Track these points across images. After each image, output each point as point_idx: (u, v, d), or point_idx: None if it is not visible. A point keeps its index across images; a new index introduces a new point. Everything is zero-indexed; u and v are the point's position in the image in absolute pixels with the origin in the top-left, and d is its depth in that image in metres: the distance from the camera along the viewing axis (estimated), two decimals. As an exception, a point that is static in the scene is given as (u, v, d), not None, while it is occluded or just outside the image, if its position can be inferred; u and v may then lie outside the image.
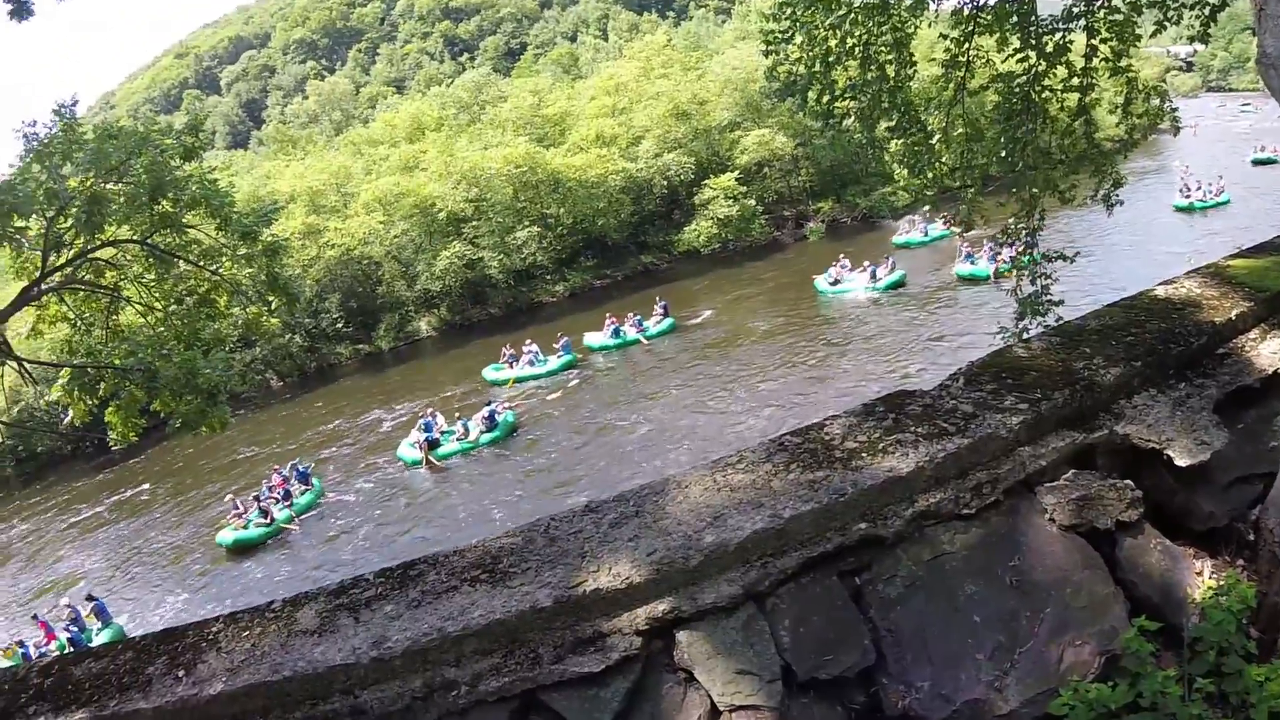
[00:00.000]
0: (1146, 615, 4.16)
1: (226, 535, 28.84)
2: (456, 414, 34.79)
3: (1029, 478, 4.52)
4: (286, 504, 30.08)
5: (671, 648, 4.01)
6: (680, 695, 3.94)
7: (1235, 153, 59.82)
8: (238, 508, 29.70)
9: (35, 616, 25.20)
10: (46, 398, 19.71)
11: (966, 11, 9.94)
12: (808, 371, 33.45)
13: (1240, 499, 4.85)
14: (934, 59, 11.03)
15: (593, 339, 42.62)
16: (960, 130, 10.83)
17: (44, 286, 15.30)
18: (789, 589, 4.10)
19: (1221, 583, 4.43)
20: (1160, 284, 6.16)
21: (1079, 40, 9.72)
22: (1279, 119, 15.36)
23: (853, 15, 9.63)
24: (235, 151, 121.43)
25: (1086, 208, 13.27)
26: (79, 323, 16.63)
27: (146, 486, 39.17)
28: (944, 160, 10.99)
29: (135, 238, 15.80)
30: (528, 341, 41.65)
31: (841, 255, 46.10)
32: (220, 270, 16.88)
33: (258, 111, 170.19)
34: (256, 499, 30.04)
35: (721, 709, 3.88)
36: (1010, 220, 10.90)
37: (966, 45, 10.05)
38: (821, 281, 44.75)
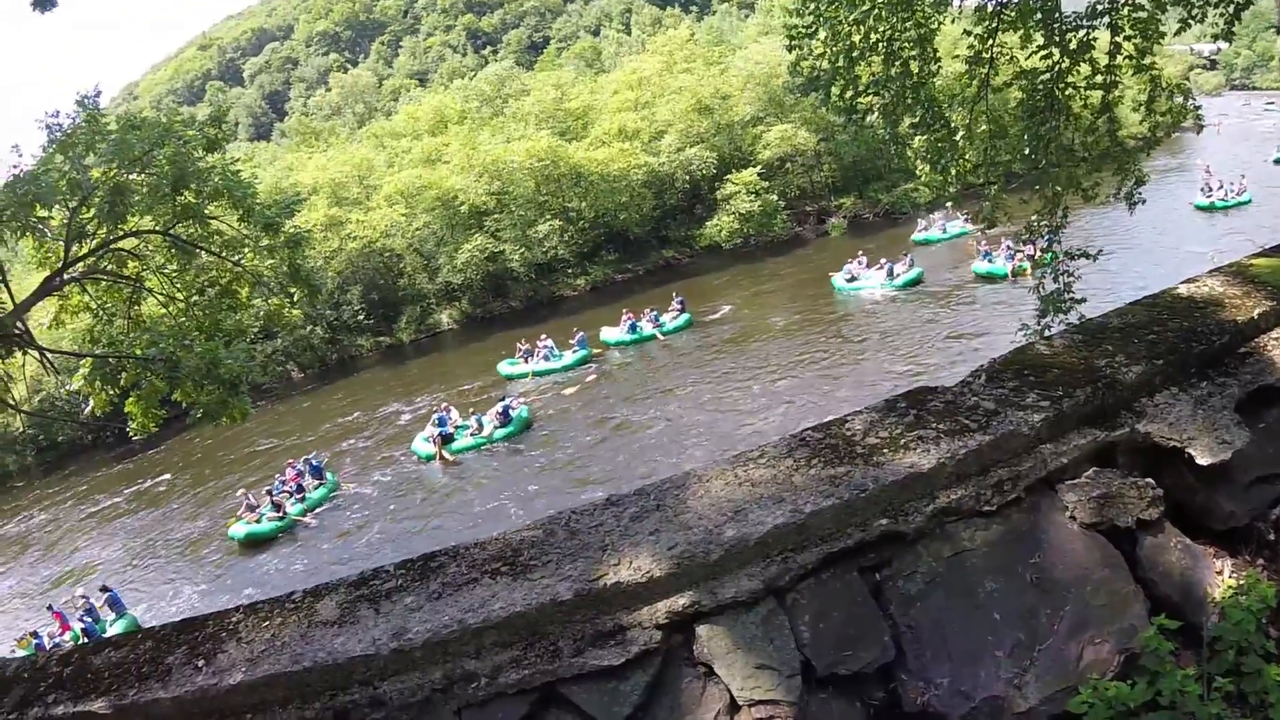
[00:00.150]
0: (1166, 614, 4.15)
1: (239, 529, 28.96)
2: (471, 409, 34.84)
3: (1050, 475, 4.50)
4: (299, 498, 30.19)
5: (691, 642, 4.01)
6: (699, 689, 3.94)
7: (1258, 152, 59.19)
8: (250, 501, 29.80)
9: (50, 607, 25.34)
10: (68, 387, 19.75)
11: (990, 8, 9.92)
12: (824, 369, 33.31)
13: (1261, 498, 4.82)
14: (958, 55, 10.99)
15: (609, 334, 42.66)
16: (984, 127, 10.80)
17: (66, 276, 15.35)
18: (809, 584, 4.09)
19: (1241, 582, 4.42)
20: (1183, 282, 6.12)
21: (1103, 37, 9.68)
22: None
23: (876, 10, 9.64)
24: (258, 143, 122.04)
25: (1107, 206, 13.22)
26: (101, 313, 16.65)
27: (166, 477, 39.42)
28: (967, 157, 10.97)
29: (158, 228, 15.82)
30: (542, 336, 41.65)
31: (860, 252, 45.90)
32: (242, 261, 16.89)
33: (280, 103, 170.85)
34: (269, 493, 30.19)
35: (741, 703, 3.88)
36: (1033, 217, 10.87)
37: (990, 42, 10.03)
38: (838, 279, 44.52)
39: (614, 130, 62.53)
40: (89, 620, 23.97)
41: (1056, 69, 9.61)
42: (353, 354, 55.21)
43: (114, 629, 23.44)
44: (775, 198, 60.56)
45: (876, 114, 10.58)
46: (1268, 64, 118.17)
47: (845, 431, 4.70)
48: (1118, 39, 9.51)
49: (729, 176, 60.14)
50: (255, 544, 28.59)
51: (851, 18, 9.65)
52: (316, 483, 31.39)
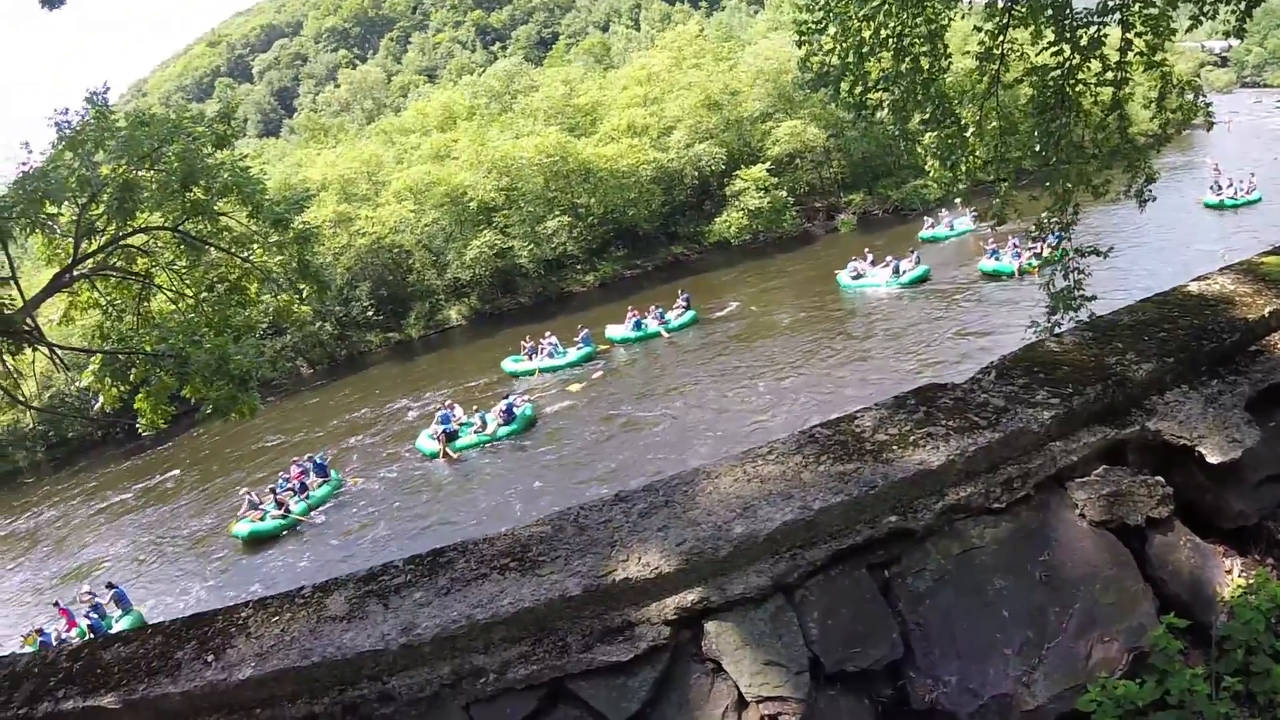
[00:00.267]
0: (1175, 613, 4.14)
1: (241, 528, 29.06)
2: (475, 407, 34.88)
3: (1060, 473, 4.49)
4: (303, 496, 30.26)
5: (700, 638, 4.00)
6: (708, 685, 3.94)
7: (1269, 150, 59.06)
8: (253, 499, 29.87)
9: (56, 604, 25.45)
10: (77, 383, 19.84)
11: (1001, 4, 9.90)
12: (830, 366, 33.31)
13: (1271, 498, 4.80)
14: (968, 51, 10.99)
15: (614, 331, 42.74)
16: (994, 123, 10.79)
17: (76, 273, 15.38)
18: (818, 581, 4.09)
19: (1251, 581, 4.40)
20: (1193, 280, 6.10)
21: (1114, 34, 9.66)
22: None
23: (887, 6, 9.62)
24: (267, 139, 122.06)
25: (1116, 203, 13.19)
26: (110, 309, 16.69)
27: (174, 473, 39.57)
28: (977, 154, 10.95)
29: (167, 225, 15.85)
30: (547, 333, 41.78)
31: (867, 250, 45.87)
32: (251, 257, 16.93)
33: (289, 100, 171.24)
34: (273, 491, 30.29)
35: (749, 699, 3.88)
36: (1043, 214, 10.87)
37: (1001, 38, 10.02)
38: (843, 276, 44.51)
39: (623, 126, 62.60)
40: (95, 617, 24.02)
41: (1067, 65, 9.60)
42: (362, 350, 55.32)
43: (120, 626, 23.48)
44: (784, 194, 60.59)
45: (886, 110, 10.56)
46: (1279, 61, 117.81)
47: (854, 428, 4.69)
48: (1129, 35, 9.48)
49: (738, 172, 60.21)
50: (259, 542, 28.68)
51: (861, 13, 9.64)
52: (320, 481, 31.48)
